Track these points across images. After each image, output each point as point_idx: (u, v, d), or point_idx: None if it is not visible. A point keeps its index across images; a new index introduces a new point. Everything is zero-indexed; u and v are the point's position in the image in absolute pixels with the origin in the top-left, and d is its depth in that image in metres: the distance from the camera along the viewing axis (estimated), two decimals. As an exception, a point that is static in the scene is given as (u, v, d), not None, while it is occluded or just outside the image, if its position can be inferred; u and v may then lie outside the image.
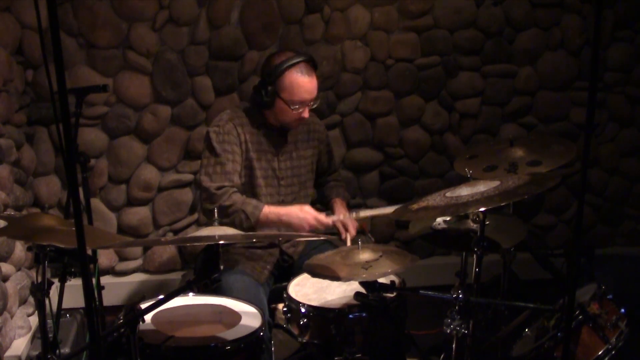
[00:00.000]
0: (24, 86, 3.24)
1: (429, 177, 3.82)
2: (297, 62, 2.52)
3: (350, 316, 2.09)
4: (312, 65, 2.57)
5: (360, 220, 2.68)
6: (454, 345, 2.00)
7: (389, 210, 2.53)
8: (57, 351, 2.24)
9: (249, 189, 2.62)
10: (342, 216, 2.62)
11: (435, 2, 3.60)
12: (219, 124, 2.59)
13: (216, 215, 2.34)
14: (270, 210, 2.52)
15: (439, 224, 2.19)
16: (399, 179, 3.79)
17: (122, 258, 3.61)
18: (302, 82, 2.52)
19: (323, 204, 2.93)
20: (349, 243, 2.56)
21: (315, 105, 2.61)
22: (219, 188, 2.52)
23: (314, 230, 2.50)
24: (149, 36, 3.36)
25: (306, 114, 2.57)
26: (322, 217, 2.53)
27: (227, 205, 2.49)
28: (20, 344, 2.85)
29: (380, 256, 2.05)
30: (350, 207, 2.85)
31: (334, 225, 2.62)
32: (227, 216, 2.47)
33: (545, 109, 3.84)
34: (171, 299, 1.88)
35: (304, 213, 2.51)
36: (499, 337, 2.30)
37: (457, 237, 2.13)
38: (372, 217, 2.61)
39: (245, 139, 2.59)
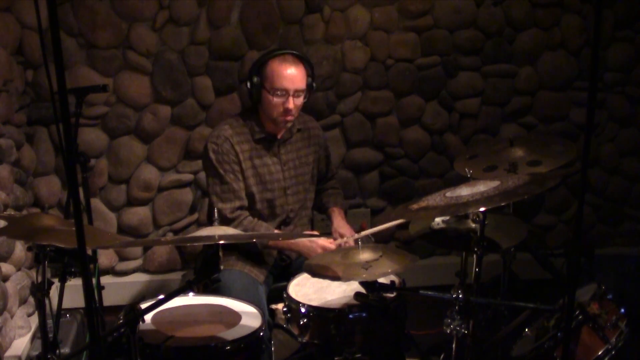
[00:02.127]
0: (24, 86, 3.24)
1: (429, 177, 3.82)
2: (281, 53, 2.53)
3: (350, 316, 2.09)
4: (299, 58, 2.57)
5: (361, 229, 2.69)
6: (454, 345, 2.00)
7: (390, 225, 2.54)
8: (57, 351, 2.24)
9: (264, 206, 2.63)
10: (346, 238, 2.62)
11: (435, 2, 3.60)
12: (217, 142, 2.57)
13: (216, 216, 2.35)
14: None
15: (437, 224, 2.18)
16: (399, 179, 3.79)
17: (122, 258, 3.61)
18: (283, 69, 2.51)
19: (320, 212, 2.94)
20: None
21: (301, 99, 2.57)
22: (232, 211, 2.54)
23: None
24: (149, 36, 3.36)
25: (290, 105, 2.52)
26: (328, 244, 2.53)
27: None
28: (20, 344, 2.85)
29: (380, 256, 2.05)
30: (347, 210, 2.85)
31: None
32: None
33: (545, 109, 3.84)
34: (171, 299, 1.88)
35: (312, 242, 2.53)
36: (499, 337, 2.30)
37: (457, 237, 2.13)
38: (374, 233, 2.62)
39: (245, 157, 2.59)
